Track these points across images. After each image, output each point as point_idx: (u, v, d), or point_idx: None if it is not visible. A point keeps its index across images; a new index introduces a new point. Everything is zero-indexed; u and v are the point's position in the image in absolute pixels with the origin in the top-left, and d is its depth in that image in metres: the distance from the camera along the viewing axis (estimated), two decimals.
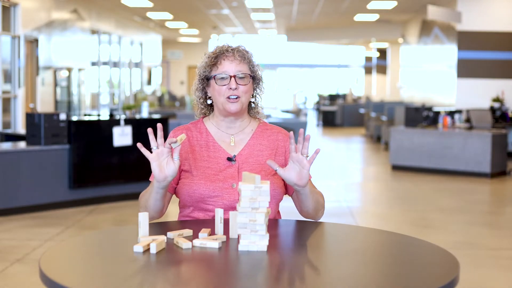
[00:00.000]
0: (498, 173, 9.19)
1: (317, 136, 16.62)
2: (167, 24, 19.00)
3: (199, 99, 2.38)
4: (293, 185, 2.16)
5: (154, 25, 19.37)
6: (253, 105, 2.40)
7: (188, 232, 2.00)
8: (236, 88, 2.26)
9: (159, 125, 2.06)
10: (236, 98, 2.27)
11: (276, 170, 2.12)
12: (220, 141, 2.34)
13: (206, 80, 2.33)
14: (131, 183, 7.13)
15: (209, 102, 2.37)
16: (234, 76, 2.26)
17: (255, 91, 2.37)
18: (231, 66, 2.27)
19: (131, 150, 7.09)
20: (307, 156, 2.11)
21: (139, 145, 2.05)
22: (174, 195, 2.37)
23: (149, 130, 2.07)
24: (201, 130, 2.36)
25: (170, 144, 2.07)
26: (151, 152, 2.09)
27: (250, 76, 2.30)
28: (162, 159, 2.09)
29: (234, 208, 2.20)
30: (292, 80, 31.93)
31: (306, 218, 2.35)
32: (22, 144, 6.65)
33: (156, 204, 2.22)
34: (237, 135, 2.35)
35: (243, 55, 2.29)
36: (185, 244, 1.87)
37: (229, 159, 2.29)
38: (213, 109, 2.39)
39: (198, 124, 2.40)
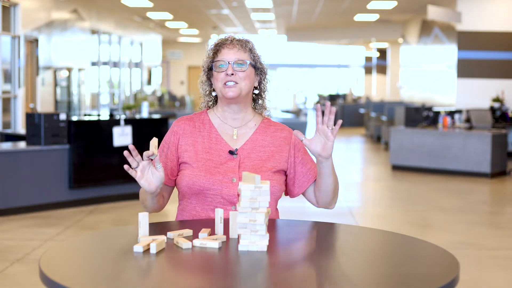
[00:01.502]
0: (498, 173, 9.19)
1: None
2: (167, 24, 19.00)
3: (205, 92, 2.39)
4: (317, 155, 2.20)
5: (154, 25, 19.37)
6: (260, 101, 2.39)
7: (188, 232, 2.00)
8: (233, 74, 2.26)
9: (130, 146, 2.12)
10: (234, 84, 2.27)
11: (302, 140, 2.16)
12: (223, 133, 2.33)
13: (209, 71, 2.35)
14: (131, 183, 7.12)
15: (214, 94, 2.37)
16: (232, 62, 2.28)
17: (261, 84, 2.37)
18: (229, 53, 2.29)
19: None
20: (332, 129, 2.15)
21: (126, 167, 2.12)
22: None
23: (126, 153, 2.12)
24: (204, 121, 2.36)
25: (148, 157, 2.11)
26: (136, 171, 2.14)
27: (251, 65, 2.31)
28: (146, 173, 2.14)
29: (233, 203, 2.21)
30: (292, 80, 31.94)
31: (322, 204, 2.34)
32: (22, 144, 6.65)
33: (153, 205, 2.27)
34: (240, 129, 2.34)
35: (242, 44, 2.31)
36: (185, 244, 1.87)
37: (231, 152, 2.28)
38: (217, 101, 2.39)
39: (201, 115, 2.39)
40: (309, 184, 2.34)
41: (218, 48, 2.32)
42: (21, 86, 10.55)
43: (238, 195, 2.20)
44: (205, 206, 2.26)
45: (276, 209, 2.38)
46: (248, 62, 2.30)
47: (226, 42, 2.31)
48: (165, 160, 2.33)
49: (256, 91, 2.37)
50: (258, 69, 2.35)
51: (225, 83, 2.27)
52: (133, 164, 2.12)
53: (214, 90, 2.37)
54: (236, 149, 2.29)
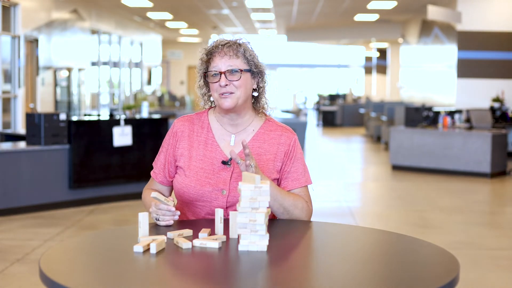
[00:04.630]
0: (498, 173, 9.19)
1: (317, 136, 16.63)
2: (167, 24, 19.00)
3: (204, 95, 2.32)
4: None
5: (154, 25, 19.37)
6: (259, 102, 2.31)
7: (188, 232, 2.00)
8: (227, 85, 2.19)
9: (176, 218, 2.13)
10: (230, 94, 2.20)
11: (238, 163, 2.11)
12: (220, 139, 2.28)
13: (204, 77, 2.28)
14: (131, 183, 7.13)
15: (212, 98, 2.31)
16: (225, 72, 2.19)
17: (258, 85, 2.28)
18: (221, 62, 2.20)
19: (131, 150, 7.09)
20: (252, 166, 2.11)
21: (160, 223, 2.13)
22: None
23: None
24: (203, 125, 2.31)
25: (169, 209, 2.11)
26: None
27: (247, 70, 2.22)
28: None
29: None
30: (292, 80, 31.93)
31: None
32: (22, 144, 6.65)
33: None
34: (238, 135, 2.28)
35: (234, 49, 2.21)
36: (185, 244, 1.87)
37: (224, 162, 2.23)
38: None
39: (202, 116, 2.34)
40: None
41: (210, 55, 2.24)
42: (21, 86, 10.55)
43: (227, 207, 2.19)
44: (195, 216, 2.27)
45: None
46: (241, 69, 2.21)
47: (217, 50, 2.22)
48: (163, 161, 2.33)
49: (255, 93, 2.29)
50: (255, 72, 2.26)
51: (220, 94, 2.21)
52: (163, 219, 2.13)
53: None
54: (230, 159, 2.22)
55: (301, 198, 2.26)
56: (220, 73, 2.20)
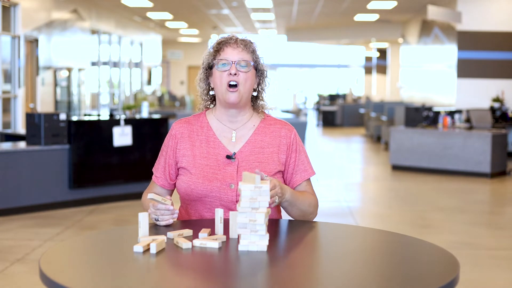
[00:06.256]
0: (498, 173, 9.19)
1: (317, 136, 16.63)
2: (167, 24, 19.00)
3: (203, 90, 2.34)
4: None
5: (154, 25, 19.37)
6: (258, 101, 2.35)
7: (188, 232, 2.00)
8: (236, 74, 2.23)
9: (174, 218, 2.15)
10: (236, 86, 2.23)
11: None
12: (221, 136, 2.30)
13: (209, 69, 2.31)
14: (131, 183, 7.13)
15: (211, 93, 2.33)
16: (236, 62, 2.24)
17: (259, 86, 2.33)
18: (233, 53, 2.25)
19: (131, 150, 7.08)
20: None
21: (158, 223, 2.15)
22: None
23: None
24: (202, 124, 2.33)
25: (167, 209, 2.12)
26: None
27: (254, 66, 2.28)
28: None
29: (231, 209, 2.19)
30: (292, 80, 31.92)
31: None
32: (22, 144, 6.65)
33: None
34: (239, 130, 2.31)
35: (246, 44, 2.28)
36: (185, 244, 1.87)
37: (228, 157, 2.25)
38: (215, 102, 2.36)
39: (200, 117, 2.36)
40: (295, 185, 2.32)
41: (221, 46, 2.28)
42: (21, 86, 10.55)
43: (237, 201, 2.20)
44: (204, 213, 2.26)
45: (279, 210, 2.37)
46: (251, 63, 2.27)
47: (230, 42, 2.27)
48: (164, 164, 2.33)
49: (255, 93, 2.33)
50: (259, 71, 2.32)
51: (228, 85, 2.23)
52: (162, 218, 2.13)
53: (212, 89, 2.33)
54: (234, 153, 2.26)
55: (310, 194, 2.32)
56: (232, 62, 2.24)
